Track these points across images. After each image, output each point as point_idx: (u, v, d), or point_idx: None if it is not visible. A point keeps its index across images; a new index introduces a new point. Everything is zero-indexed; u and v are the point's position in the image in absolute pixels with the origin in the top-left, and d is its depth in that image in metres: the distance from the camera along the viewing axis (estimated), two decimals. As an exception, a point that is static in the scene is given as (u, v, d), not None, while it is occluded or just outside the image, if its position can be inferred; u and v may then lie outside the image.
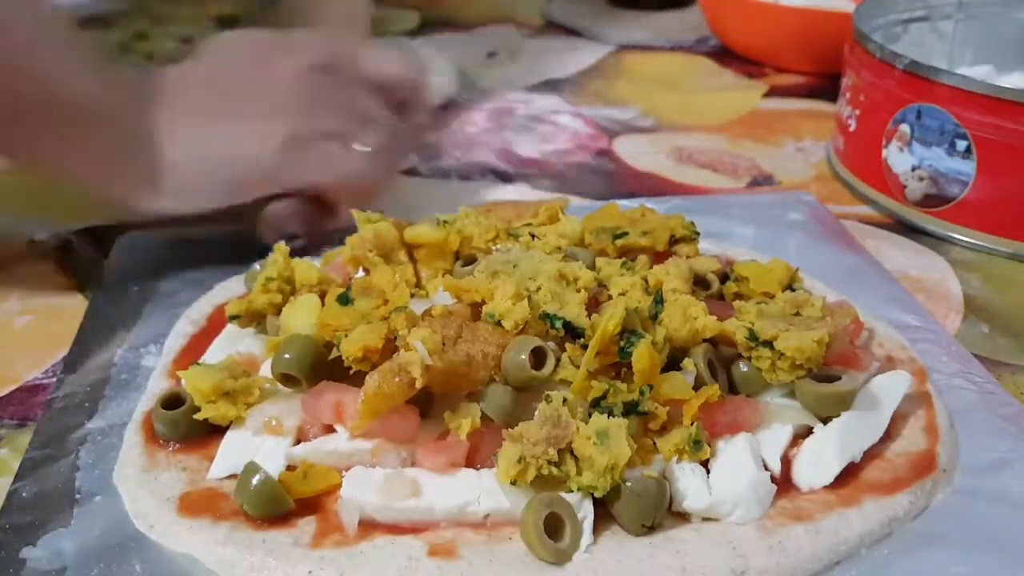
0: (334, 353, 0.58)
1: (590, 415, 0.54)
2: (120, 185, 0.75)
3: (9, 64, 0.67)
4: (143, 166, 0.73)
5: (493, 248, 0.69)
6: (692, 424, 0.56)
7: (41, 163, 0.76)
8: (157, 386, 0.64)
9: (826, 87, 1.24)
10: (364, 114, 0.80)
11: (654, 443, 0.56)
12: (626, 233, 0.71)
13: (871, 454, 0.58)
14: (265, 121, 0.75)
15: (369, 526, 0.53)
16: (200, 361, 0.63)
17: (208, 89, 0.77)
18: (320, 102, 0.77)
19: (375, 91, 0.82)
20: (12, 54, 0.67)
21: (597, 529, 0.53)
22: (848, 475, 0.57)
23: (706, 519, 0.54)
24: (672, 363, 0.59)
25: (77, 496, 0.56)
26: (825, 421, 0.59)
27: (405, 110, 0.85)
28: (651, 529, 0.53)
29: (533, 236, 0.71)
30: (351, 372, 0.57)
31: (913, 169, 0.90)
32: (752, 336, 0.59)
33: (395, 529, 0.53)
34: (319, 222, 0.80)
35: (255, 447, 0.57)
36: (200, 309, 0.73)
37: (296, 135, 0.75)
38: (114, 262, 0.82)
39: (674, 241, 0.71)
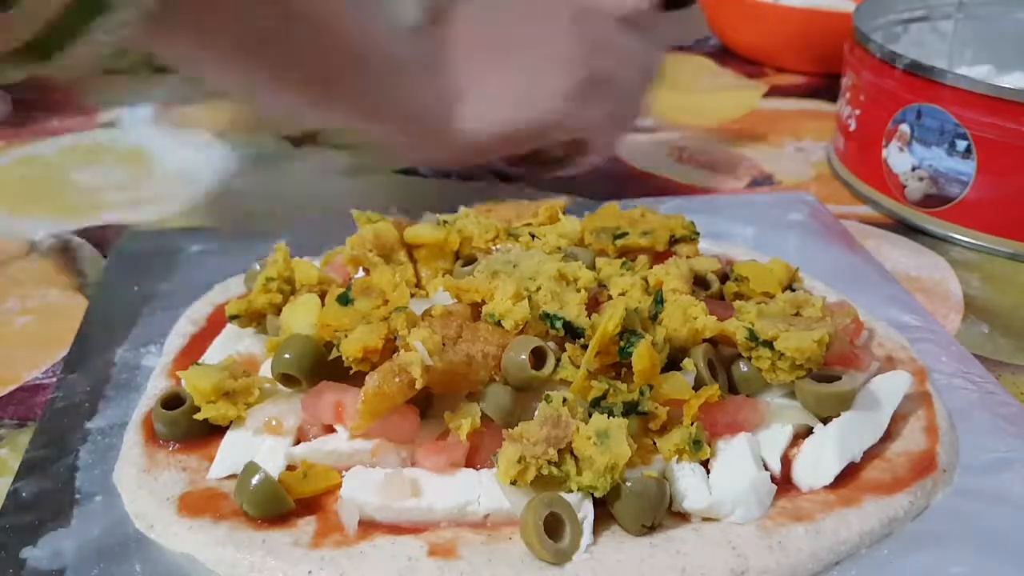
0: (334, 353, 0.58)
1: (590, 415, 0.54)
2: (428, 139, 0.79)
3: (328, 24, 0.71)
4: (448, 119, 0.77)
5: (493, 248, 0.69)
6: (692, 424, 0.56)
7: (358, 120, 0.80)
8: (157, 386, 0.64)
9: (826, 87, 1.24)
10: (619, 50, 0.82)
11: (654, 443, 0.56)
12: (626, 233, 0.71)
13: (871, 454, 0.58)
14: (548, 74, 0.78)
15: (369, 526, 0.53)
16: (200, 361, 0.63)
17: (491, 49, 0.79)
18: (587, 46, 0.80)
19: (620, 26, 0.83)
20: (330, 15, 0.71)
21: (597, 529, 0.53)
22: (848, 475, 0.57)
23: (706, 519, 0.54)
24: (672, 363, 0.59)
25: (77, 496, 0.56)
26: (825, 421, 0.59)
27: (646, 48, 0.87)
28: (651, 529, 0.53)
29: (533, 236, 0.71)
30: (351, 372, 0.57)
31: (913, 169, 0.90)
32: (752, 336, 0.59)
33: (395, 529, 0.53)
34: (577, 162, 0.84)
35: (255, 447, 0.57)
36: (200, 309, 0.73)
37: (579, 82, 0.78)
38: (114, 262, 0.82)
39: (674, 241, 0.71)
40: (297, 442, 0.58)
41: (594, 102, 0.80)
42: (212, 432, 0.59)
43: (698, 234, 0.72)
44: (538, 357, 0.56)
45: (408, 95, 0.77)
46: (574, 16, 0.80)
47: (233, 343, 0.67)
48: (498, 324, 0.58)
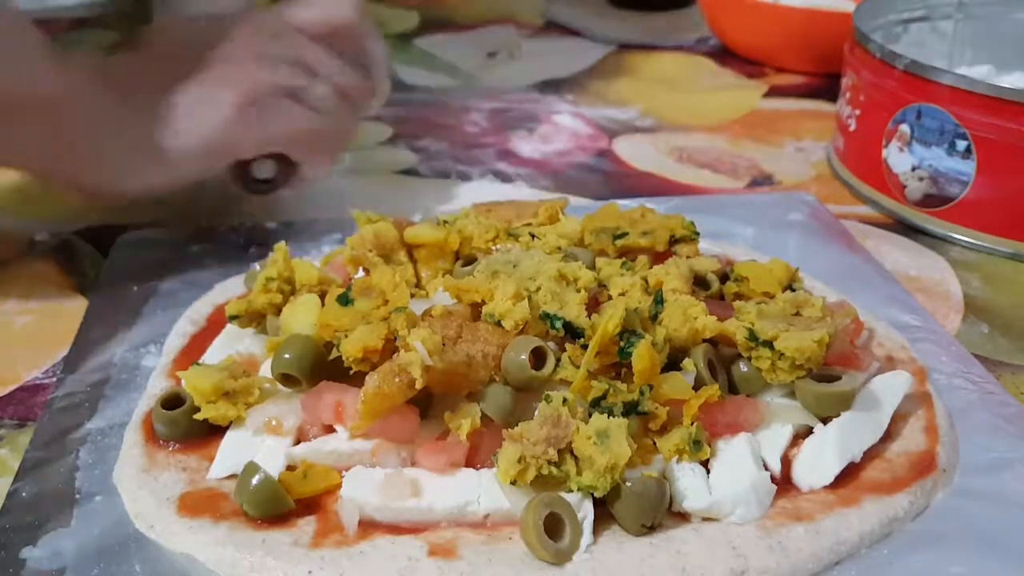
0: (334, 353, 0.58)
1: (590, 415, 0.54)
2: (87, 172, 0.75)
3: None
4: (109, 150, 0.74)
5: (493, 248, 0.69)
6: (692, 424, 0.56)
7: (6, 158, 0.76)
8: (157, 386, 0.64)
9: (826, 87, 1.24)
10: (311, 66, 0.80)
11: (654, 443, 0.56)
12: (626, 233, 0.71)
13: (871, 454, 0.58)
14: (218, 88, 0.76)
15: (369, 526, 0.53)
16: (200, 361, 0.63)
17: (160, 66, 0.77)
18: (266, 61, 0.78)
19: (319, 43, 0.81)
20: None
21: (597, 529, 0.53)
22: (848, 475, 0.57)
23: (706, 519, 0.54)
24: (672, 363, 0.59)
25: (77, 496, 0.56)
26: (825, 421, 0.59)
27: (352, 59, 0.85)
28: (651, 529, 0.53)
29: (533, 236, 0.71)
30: (351, 372, 0.57)
31: (913, 169, 0.90)
32: (752, 336, 0.59)
33: (395, 529, 0.53)
34: (290, 182, 0.81)
35: (255, 447, 0.57)
36: (200, 309, 0.73)
37: (248, 96, 0.76)
38: (114, 262, 0.81)
39: (674, 241, 0.71)
40: (297, 442, 0.58)
41: (279, 118, 0.78)
42: (212, 432, 0.59)
43: (698, 234, 0.72)
44: (538, 357, 0.56)
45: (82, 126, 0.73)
46: (273, 32, 0.79)
47: (233, 343, 0.67)
48: (498, 324, 0.58)
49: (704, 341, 0.60)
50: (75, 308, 0.76)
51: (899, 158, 0.91)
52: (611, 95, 1.26)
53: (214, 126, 0.75)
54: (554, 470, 0.52)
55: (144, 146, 0.74)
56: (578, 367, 0.56)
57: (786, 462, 0.57)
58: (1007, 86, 0.84)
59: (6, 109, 0.69)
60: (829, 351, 0.59)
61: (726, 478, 0.55)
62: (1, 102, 0.69)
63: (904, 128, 0.90)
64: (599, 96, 1.25)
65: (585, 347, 0.57)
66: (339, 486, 0.55)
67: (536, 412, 0.54)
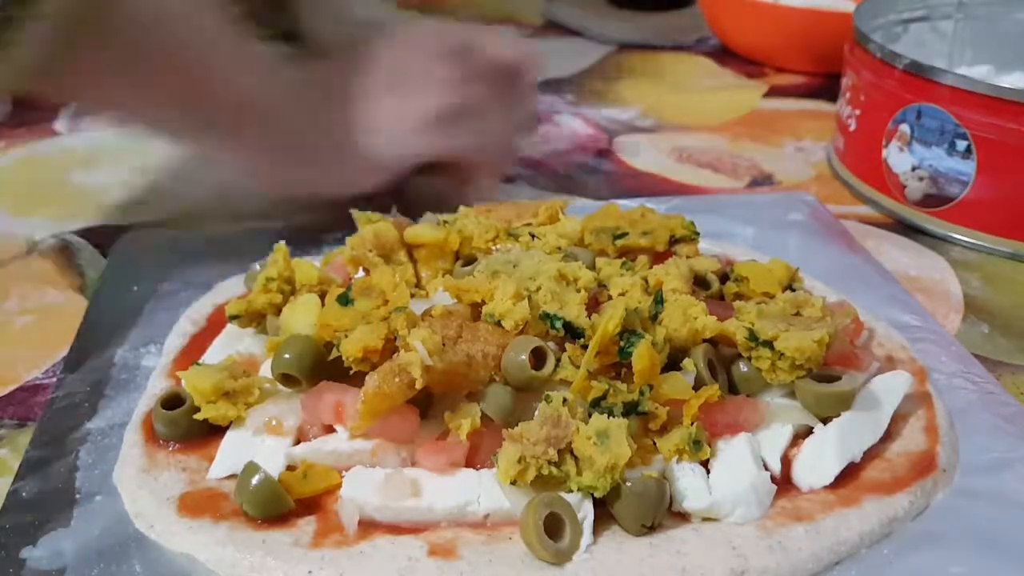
0: (334, 353, 0.58)
1: (590, 415, 0.54)
2: (303, 178, 0.81)
3: (191, 69, 0.72)
4: (321, 156, 0.80)
5: (493, 248, 0.69)
6: (692, 424, 0.56)
7: (239, 161, 0.82)
8: (157, 386, 0.64)
9: (826, 87, 1.24)
10: (498, 94, 0.85)
11: (654, 443, 0.56)
12: (626, 233, 0.71)
13: (871, 454, 0.58)
14: (419, 98, 0.81)
15: (369, 526, 0.53)
16: (200, 361, 0.63)
17: (365, 76, 0.82)
18: (460, 80, 0.83)
19: (500, 74, 0.87)
20: (192, 60, 0.72)
21: (597, 529, 0.53)
22: (848, 475, 0.57)
23: (706, 519, 0.54)
24: (672, 363, 0.59)
25: (77, 496, 0.56)
26: (825, 421, 0.59)
27: (521, 94, 0.91)
28: (651, 529, 0.53)
29: (533, 236, 0.71)
30: (351, 372, 0.57)
31: (913, 169, 0.90)
32: (752, 336, 0.59)
33: (395, 529, 0.53)
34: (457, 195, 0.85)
35: (255, 447, 0.57)
36: (200, 309, 0.73)
37: (445, 110, 0.81)
38: (114, 262, 0.81)
39: (674, 241, 0.71)
40: (297, 442, 0.58)
41: (464, 134, 0.83)
42: (212, 432, 0.59)
43: (698, 234, 0.72)
44: (538, 357, 0.56)
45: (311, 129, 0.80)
46: (459, 52, 0.84)
47: (233, 343, 0.67)
48: (498, 324, 0.58)
49: (704, 341, 0.60)
50: (75, 308, 0.76)
51: (899, 158, 0.91)
52: (611, 95, 1.26)
53: (413, 133, 0.81)
54: (554, 470, 0.52)
55: (348, 149, 0.80)
56: (578, 367, 0.56)
57: (786, 462, 0.57)
58: (1007, 86, 0.84)
59: (239, 117, 0.75)
60: (829, 351, 0.59)
61: (726, 478, 0.55)
62: (234, 111, 0.75)
63: (904, 128, 0.90)
64: (599, 96, 1.25)
65: (585, 347, 0.57)
66: (339, 486, 0.55)
67: (536, 412, 0.54)
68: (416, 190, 0.85)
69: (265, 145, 0.79)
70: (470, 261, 0.68)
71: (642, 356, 0.55)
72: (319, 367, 0.59)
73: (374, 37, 0.86)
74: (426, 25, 0.91)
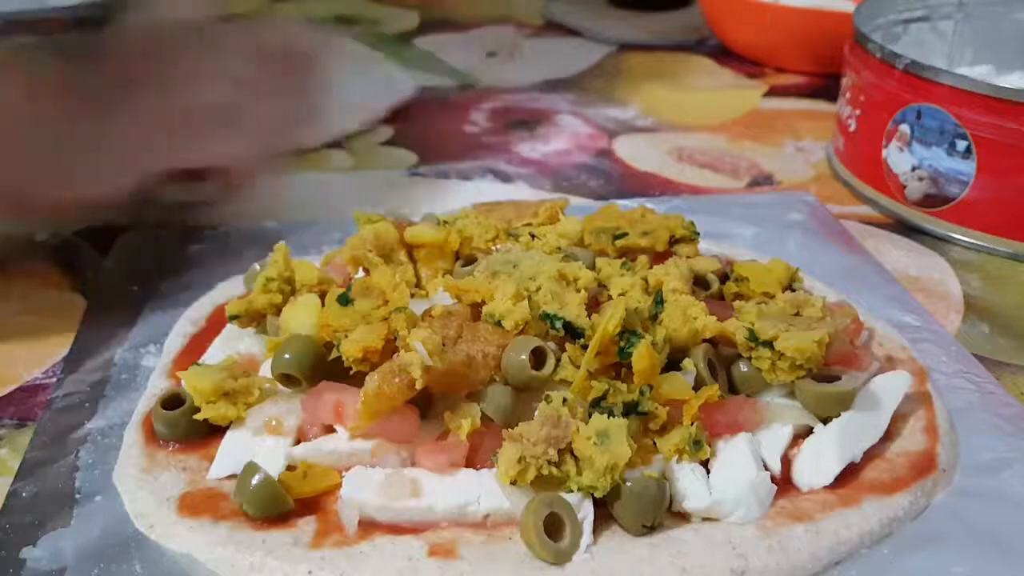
0: (334, 353, 0.58)
1: (590, 415, 0.54)
2: (29, 181, 0.75)
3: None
4: (51, 160, 0.74)
5: (493, 248, 0.69)
6: (692, 424, 0.56)
7: None
8: (157, 386, 0.64)
9: (826, 87, 1.24)
10: (251, 86, 0.81)
11: (654, 443, 0.56)
12: (626, 233, 0.71)
13: (871, 454, 0.58)
14: (164, 102, 0.77)
15: (369, 526, 0.53)
16: (200, 361, 0.63)
17: (118, 74, 0.78)
18: (214, 77, 0.79)
19: (282, 68, 0.83)
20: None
21: (597, 529, 0.53)
22: (848, 475, 0.57)
23: (706, 519, 0.54)
24: (672, 363, 0.59)
25: (77, 496, 0.56)
26: (825, 421, 0.59)
27: (304, 87, 0.86)
28: (651, 529, 0.53)
29: (533, 236, 0.71)
30: (351, 372, 0.57)
31: (913, 169, 0.90)
32: (752, 336, 0.59)
33: (395, 529, 0.53)
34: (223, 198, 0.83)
35: (255, 447, 0.57)
36: (200, 309, 0.73)
37: (188, 114, 0.77)
38: (114, 262, 0.82)
39: (674, 241, 0.71)
40: (297, 442, 0.58)
41: (210, 138, 0.79)
42: (212, 432, 0.59)
43: (698, 234, 0.72)
44: (538, 357, 0.56)
45: None
46: (225, 48, 0.81)
47: (233, 343, 0.67)
48: (498, 324, 0.58)
49: (704, 341, 0.60)
50: (75, 308, 0.76)
51: (899, 158, 0.91)
52: (611, 95, 1.26)
53: (152, 143, 0.77)
54: (554, 470, 0.52)
55: (82, 159, 0.75)
56: (578, 367, 0.56)
57: (786, 462, 0.57)
58: (1007, 86, 0.84)
59: None
60: (829, 351, 0.59)
61: (726, 478, 0.55)
62: None
63: (904, 128, 0.90)
64: (599, 96, 1.25)
65: (585, 347, 0.57)
66: (339, 486, 0.55)
67: (536, 412, 0.54)
68: (174, 197, 0.82)
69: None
70: (470, 261, 0.68)
71: (642, 356, 0.55)
72: (319, 367, 0.59)
73: (182, 39, 0.82)
74: (218, 26, 0.87)
